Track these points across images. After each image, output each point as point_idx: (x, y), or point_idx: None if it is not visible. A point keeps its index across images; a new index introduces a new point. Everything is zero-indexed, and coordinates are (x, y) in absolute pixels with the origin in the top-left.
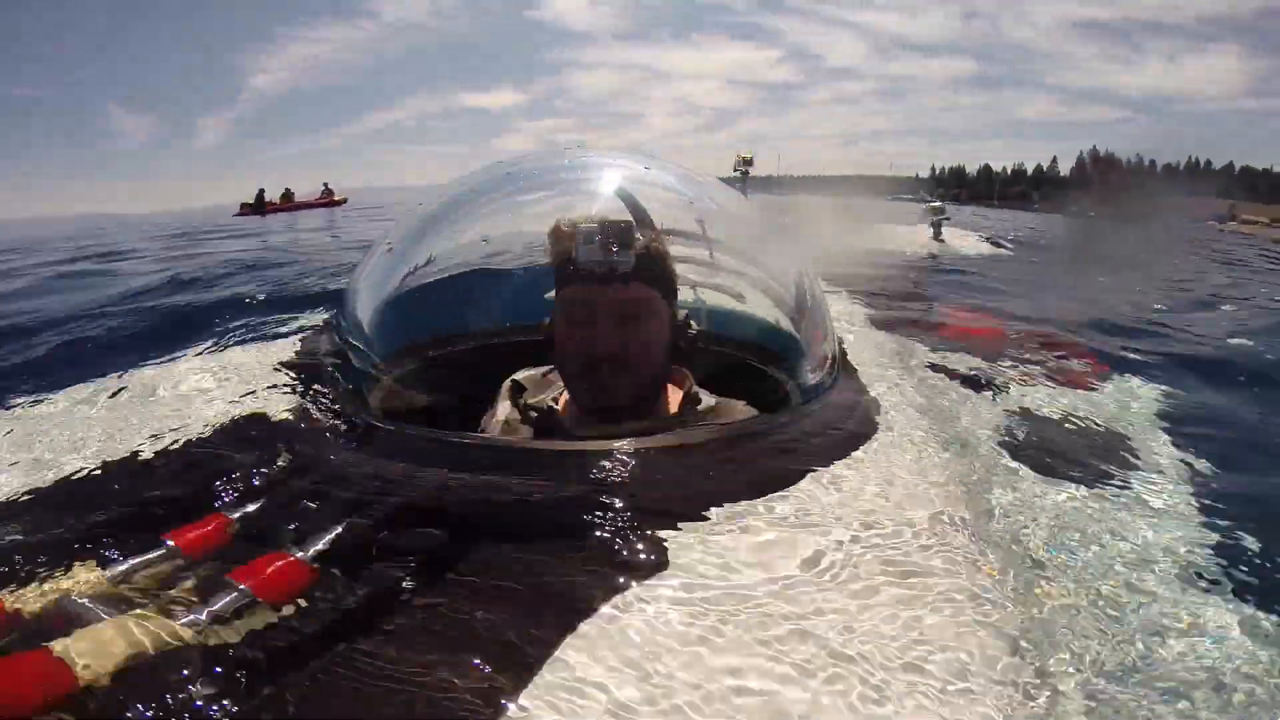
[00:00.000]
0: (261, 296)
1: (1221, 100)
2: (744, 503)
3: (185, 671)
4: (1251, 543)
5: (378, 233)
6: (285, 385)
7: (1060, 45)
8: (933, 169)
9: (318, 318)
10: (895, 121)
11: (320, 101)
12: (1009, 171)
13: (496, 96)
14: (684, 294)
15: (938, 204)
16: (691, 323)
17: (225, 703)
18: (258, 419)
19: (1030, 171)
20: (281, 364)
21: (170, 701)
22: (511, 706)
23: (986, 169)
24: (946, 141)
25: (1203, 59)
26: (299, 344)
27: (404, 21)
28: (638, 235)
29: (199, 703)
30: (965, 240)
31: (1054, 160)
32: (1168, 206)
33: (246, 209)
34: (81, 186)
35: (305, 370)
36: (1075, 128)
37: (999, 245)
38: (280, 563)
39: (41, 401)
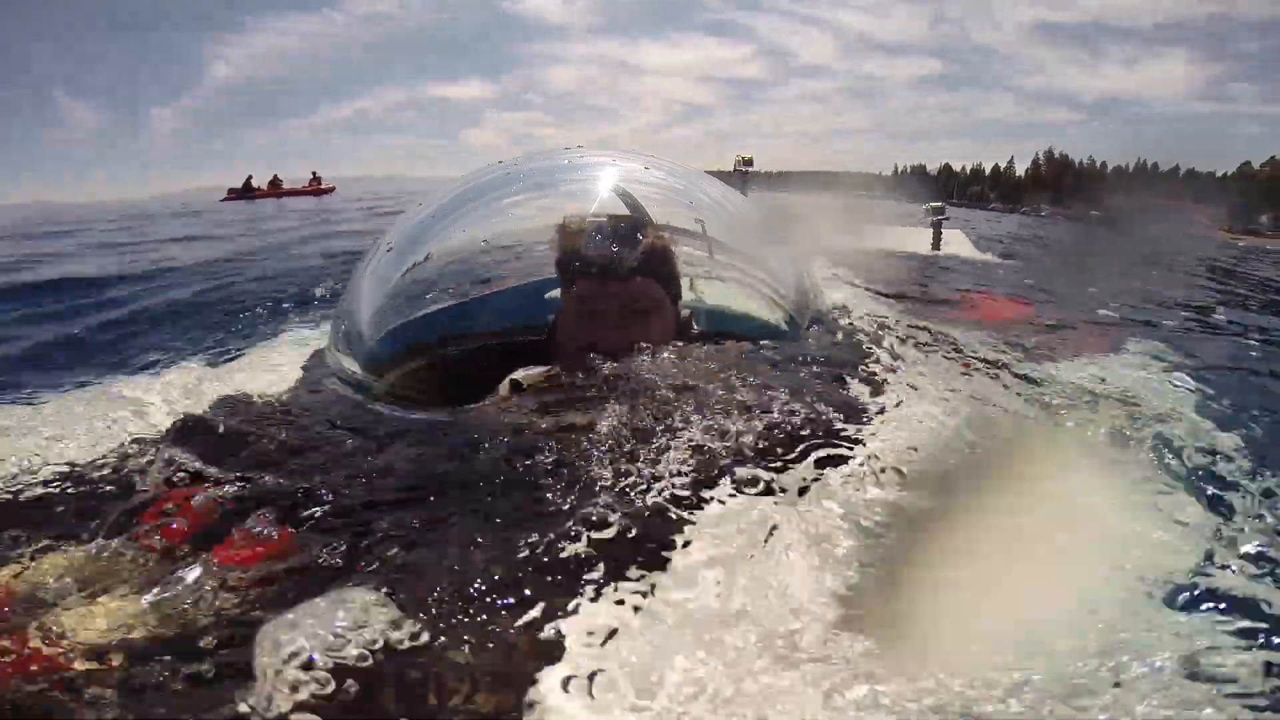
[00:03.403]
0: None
1: (1173, 104)
2: None
3: (164, 654)
4: None
5: None
6: (278, 377)
7: (1022, 48)
8: (895, 167)
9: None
10: (862, 120)
11: (284, 92)
12: (968, 171)
13: (466, 88)
14: (685, 294)
15: (938, 204)
16: (693, 321)
17: (208, 685)
18: (247, 404)
19: (988, 172)
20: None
21: (152, 683)
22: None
23: (947, 168)
24: (911, 141)
25: (1157, 63)
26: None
27: (372, 12)
28: (642, 233)
29: (180, 685)
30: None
31: (1010, 161)
32: (1129, 207)
33: (234, 194)
34: (27, 175)
35: (302, 366)
36: (1034, 129)
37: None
38: (260, 537)
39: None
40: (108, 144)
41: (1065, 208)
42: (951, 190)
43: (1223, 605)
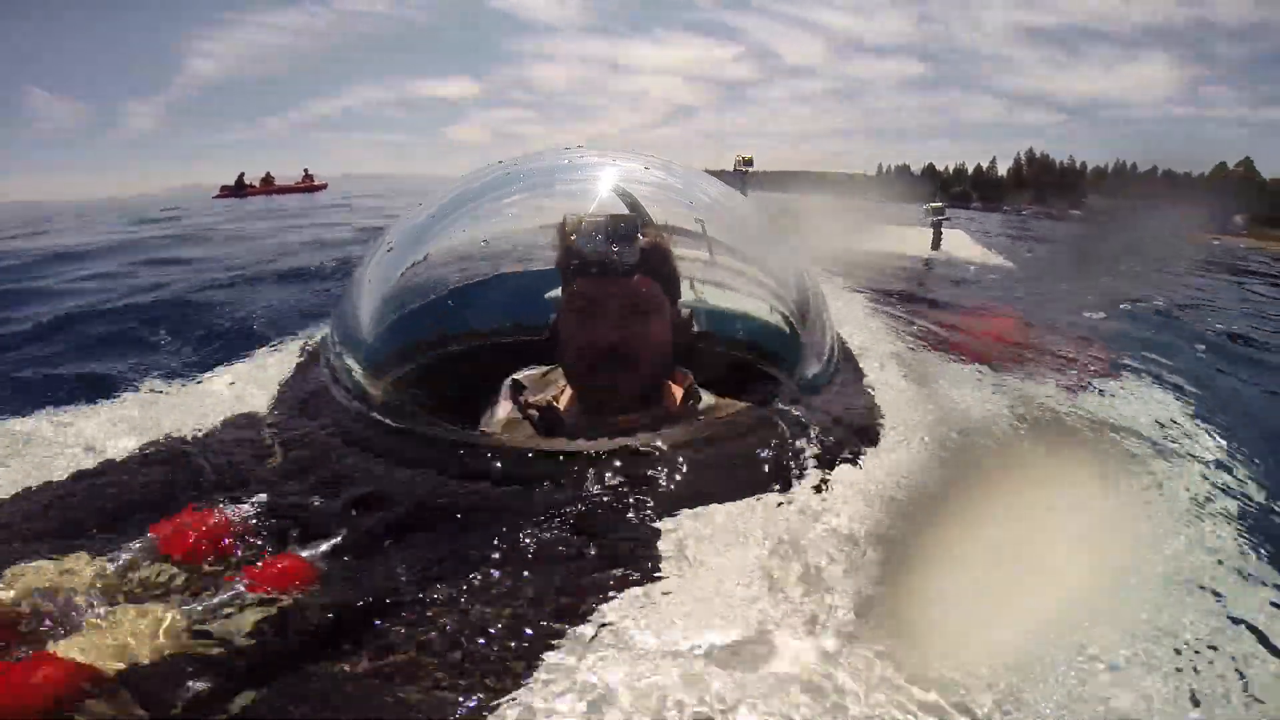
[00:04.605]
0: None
1: (1151, 106)
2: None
3: (185, 671)
4: None
5: None
6: (285, 383)
7: (1005, 50)
8: (879, 167)
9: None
10: (848, 121)
11: (266, 87)
12: (951, 171)
13: (452, 85)
14: (685, 294)
15: (938, 204)
16: (693, 321)
17: (227, 703)
18: (256, 416)
19: (971, 171)
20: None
21: (171, 701)
22: (510, 707)
23: (930, 168)
24: (895, 141)
25: (1136, 66)
26: (302, 347)
27: (357, 9)
28: (642, 233)
29: (199, 703)
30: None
31: (993, 161)
32: (1109, 207)
33: (226, 191)
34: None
35: (307, 369)
36: (1015, 130)
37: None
38: (281, 563)
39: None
40: (91, 142)
41: (1046, 207)
42: (935, 191)
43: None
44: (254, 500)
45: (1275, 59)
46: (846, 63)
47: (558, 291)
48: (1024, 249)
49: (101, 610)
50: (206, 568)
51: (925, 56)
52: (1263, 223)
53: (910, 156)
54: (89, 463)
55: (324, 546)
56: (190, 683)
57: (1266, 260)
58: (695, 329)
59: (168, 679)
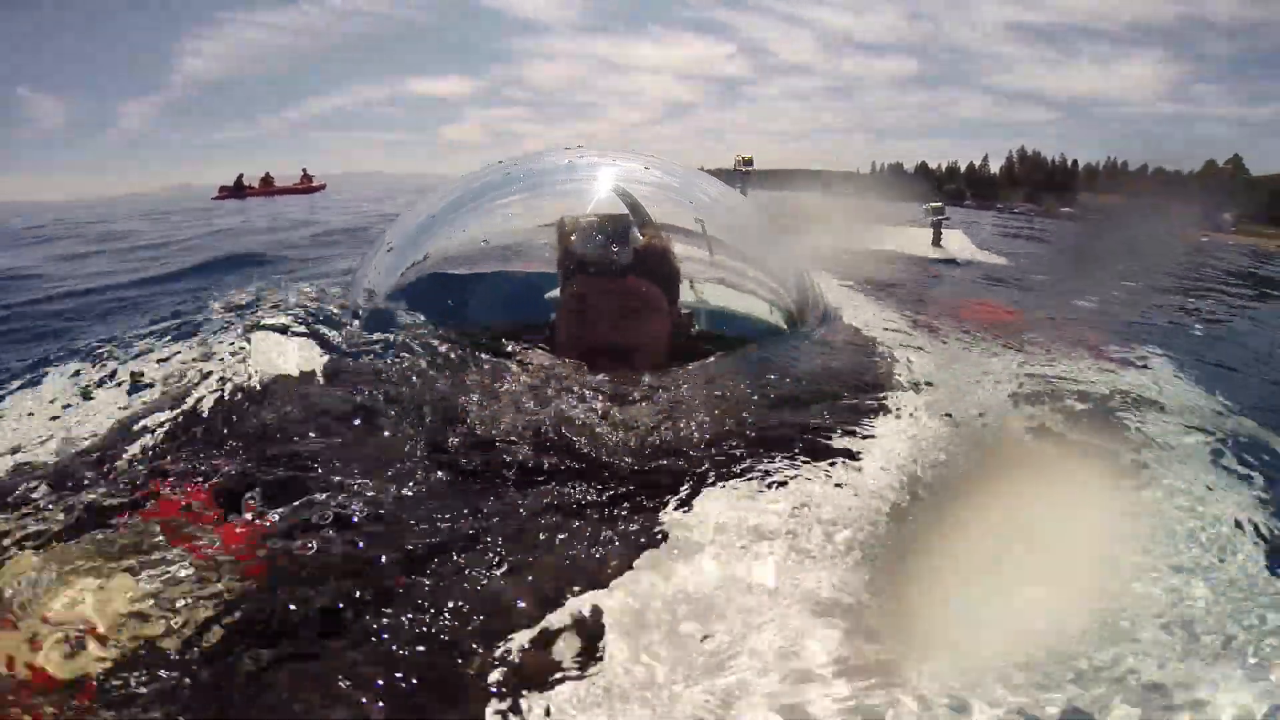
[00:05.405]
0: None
1: (1142, 104)
2: None
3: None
4: None
5: None
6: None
7: (998, 48)
8: (873, 165)
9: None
10: (844, 119)
11: (264, 86)
12: (944, 169)
13: (449, 84)
14: (685, 294)
15: (938, 204)
16: (693, 321)
17: (212, 679)
18: (246, 390)
19: (963, 169)
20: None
21: (142, 684)
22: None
23: (923, 165)
24: (889, 139)
25: (1127, 65)
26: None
27: (356, 8)
28: (638, 232)
29: (176, 683)
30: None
31: (985, 159)
32: (1100, 205)
33: (225, 192)
34: None
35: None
36: (1009, 128)
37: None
38: (250, 528)
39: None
40: (87, 142)
41: (1038, 205)
42: (933, 189)
43: None
44: (234, 470)
45: (1268, 58)
46: (841, 61)
47: (557, 291)
48: (1019, 247)
49: (53, 595)
50: (176, 538)
51: (918, 54)
52: (1251, 220)
53: (904, 154)
54: (70, 435)
55: (292, 509)
56: (145, 673)
57: (1251, 256)
58: (695, 328)
59: (123, 670)
